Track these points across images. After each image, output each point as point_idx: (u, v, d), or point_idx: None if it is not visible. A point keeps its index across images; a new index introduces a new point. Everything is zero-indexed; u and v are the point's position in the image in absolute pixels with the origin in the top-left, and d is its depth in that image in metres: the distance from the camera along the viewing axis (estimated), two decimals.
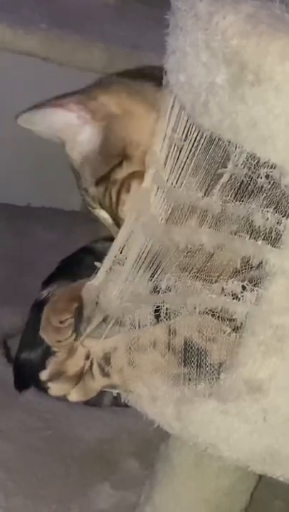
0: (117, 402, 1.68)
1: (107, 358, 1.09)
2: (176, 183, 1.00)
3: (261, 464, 1.02)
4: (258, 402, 0.98)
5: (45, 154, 2.39)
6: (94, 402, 1.70)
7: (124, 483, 1.50)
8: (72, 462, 1.53)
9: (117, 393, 1.12)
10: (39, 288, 1.61)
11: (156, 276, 1.04)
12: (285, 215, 0.93)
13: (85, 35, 1.78)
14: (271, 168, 0.91)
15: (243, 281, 0.97)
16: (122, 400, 1.12)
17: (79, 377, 1.10)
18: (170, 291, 1.02)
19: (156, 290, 1.04)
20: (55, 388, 1.11)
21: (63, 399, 1.71)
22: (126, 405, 1.13)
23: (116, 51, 1.80)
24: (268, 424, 0.98)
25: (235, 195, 0.96)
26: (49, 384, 1.11)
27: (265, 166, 0.91)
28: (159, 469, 1.30)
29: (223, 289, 0.98)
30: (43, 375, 1.11)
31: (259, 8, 0.92)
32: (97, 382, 1.10)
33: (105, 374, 1.09)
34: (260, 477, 1.27)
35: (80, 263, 1.51)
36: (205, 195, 0.98)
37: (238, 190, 0.95)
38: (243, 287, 0.97)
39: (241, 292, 0.97)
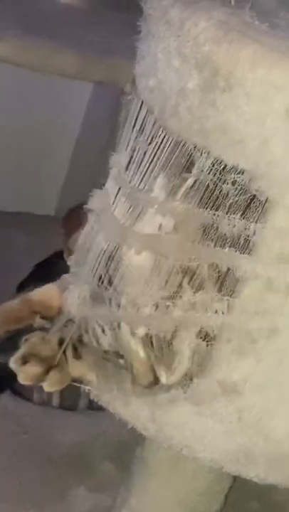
0: (92, 405, 1.68)
1: (81, 340, 1.08)
2: (139, 184, 0.99)
3: (235, 464, 1.03)
4: (233, 403, 0.98)
5: (20, 160, 2.40)
6: (69, 406, 1.71)
7: (100, 486, 1.50)
8: (48, 466, 1.53)
9: (89, 390, 1.10)
10: (13, 292, 1.61)
11: (114, 283, 1.01)
12: (253, 220, 0.93)
13: (57, 41, 1.78)
14: (239, 173, 0.92)
15: (212, 292, 0.97)
16: (92, 398, 1.11)
17: (51, 360, 1.08)
18: (132, 308, 1.00)
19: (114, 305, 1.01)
20: (25, 373, 1.08)
21: (39, 402, 1.72)
22: (101, 409, 1.13)
23: (88, 57, 1.80)
24: (242, 423, 0.99)
25: (200, 201, 0.95)
26: (19, 369, 1.08)
27: (233, 172, 0.92)
28: (135, 472, 1.31)
29: (191, 303, 0.97)
30: (14, 359, 1.08)
31: (230, 15, 0.93)
32: (70, 367, 1.08)
33: (77, 356, 1.08)
34: (235, 478, 1.28)
35: (53, 267, 1.51)
36: (167, 200, 0.97)
37: (202, 197, 0.95)
38: (212, 298, 0.96)
39: (211, 303, 0.96)
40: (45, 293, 1.14)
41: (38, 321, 1.12)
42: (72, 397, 1.71)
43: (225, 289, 0.96)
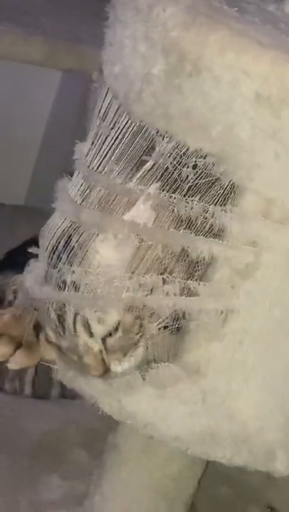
0: (64, 394, 1.69)
1: None
2: (98, 167, 0.99)
3: (201, 445, 1.03)
4: (197, 384, 0.99)
5: None
6: (42, 395, 1.70)
7: (72, 474, 1.50)
8: (19, 455, 1.53)
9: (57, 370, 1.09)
10: None
11: (61, 264, 0.99)
12: (213, 203, 0.93)
13: (23, 28, 1.77)
14: (201, 157, 0.92)
15: (162, 273, 0.95)
16: (64, 384, 1.10)
17: (20, 338, 1.07)
18: (77, 289, 0.98)
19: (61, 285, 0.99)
20: None
21: (11, 392, 1.71)
22: (73, 397, 1.13)
23: (57, 45, 1.80)
24: (206, 404, 0.99)
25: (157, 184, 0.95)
26: None
27: (194, 156, 0.92)
28: (107, 458, 1.31)
29: (140, 285, 0.95)
30: None
31: (198, 0, 0.94)
32: (42, 350, 1.07)
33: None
34: (207, 464, 1.28)
35: (25, 254, 1.51)
36: (123, 182, 0.96)
37: (159, 179, 0.94)
38: (164, 280, 0.96)
39: (162, 285, 0.96)
40: None
41: None
42: (44, 386, 1.71)
43: (178, 271, 0.96)
